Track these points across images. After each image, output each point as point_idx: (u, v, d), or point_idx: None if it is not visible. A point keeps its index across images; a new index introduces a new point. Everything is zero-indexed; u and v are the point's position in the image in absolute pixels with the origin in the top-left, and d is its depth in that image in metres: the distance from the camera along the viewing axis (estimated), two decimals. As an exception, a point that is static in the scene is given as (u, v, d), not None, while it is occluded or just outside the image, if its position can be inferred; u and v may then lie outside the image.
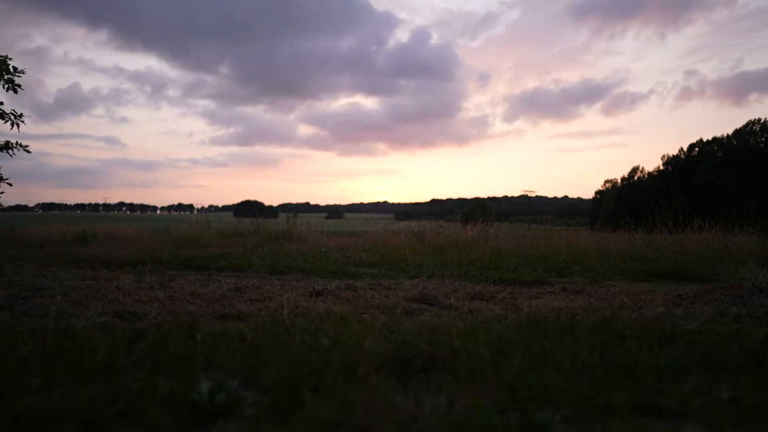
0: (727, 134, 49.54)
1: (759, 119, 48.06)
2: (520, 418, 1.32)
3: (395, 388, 1.64)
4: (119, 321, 2.47)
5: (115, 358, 1.78)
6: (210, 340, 2.00)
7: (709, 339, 2.20)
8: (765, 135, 47.62)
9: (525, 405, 1.44)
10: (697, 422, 1.44)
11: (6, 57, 9.01)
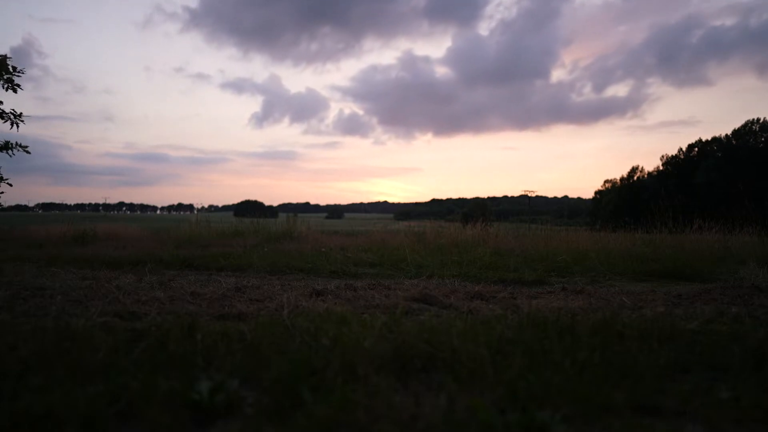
0: (726, 134, 49.59)
1: (758, 119, 48.10)
2: (520, 418, 1.32)
3: (395, 388, 1.63)
4: (119, 321, 2.48)
5: (115, 358, 1.78)
6: (210, 340, 2.00)
7: (709, 339, 2.20)
8: (764, 135, 47.63)
9: (525, 405, 1.45)
10: (697, 422, 1.44)
11: (5, 56, 9.03)
